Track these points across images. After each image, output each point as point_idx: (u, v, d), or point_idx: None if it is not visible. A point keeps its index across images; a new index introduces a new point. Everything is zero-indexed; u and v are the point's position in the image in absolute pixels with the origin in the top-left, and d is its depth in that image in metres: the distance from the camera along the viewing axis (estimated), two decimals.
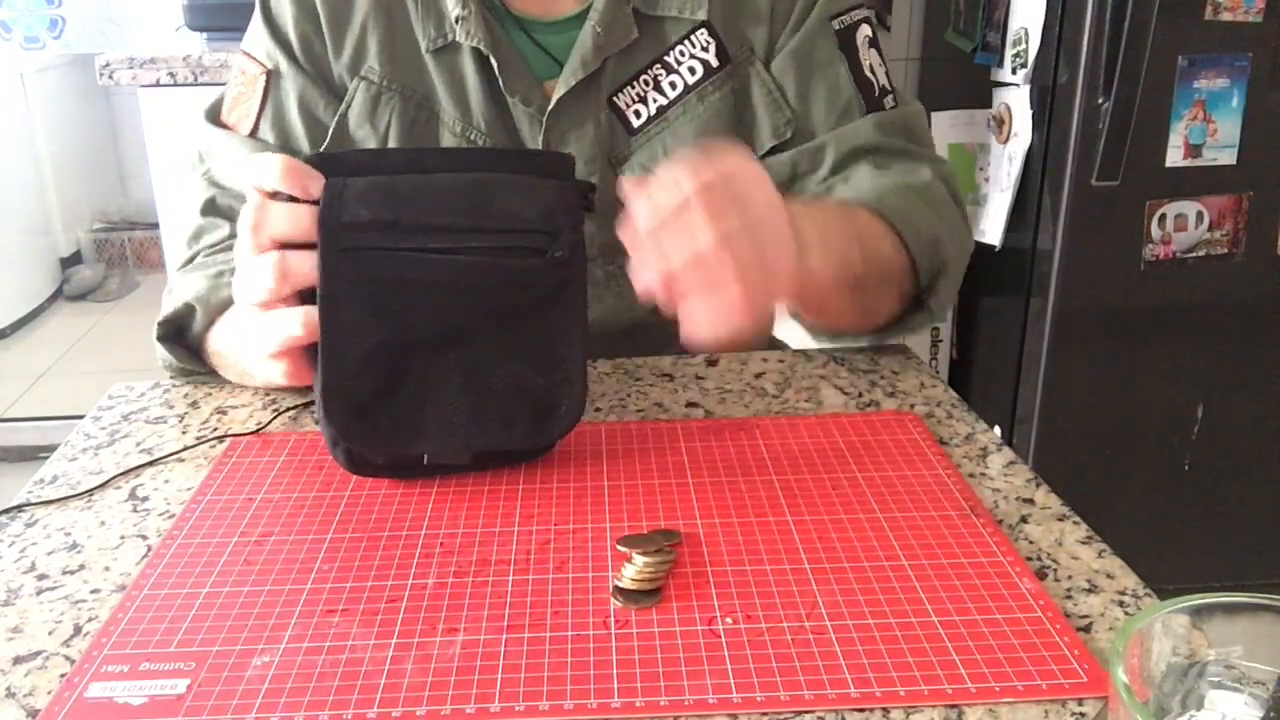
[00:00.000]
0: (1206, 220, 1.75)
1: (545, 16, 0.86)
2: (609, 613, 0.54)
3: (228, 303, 0.77)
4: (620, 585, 0.55)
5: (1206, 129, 1.71)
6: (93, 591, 0.57)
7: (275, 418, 0.75)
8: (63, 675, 0.51)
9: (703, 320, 0.60)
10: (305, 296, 0.64)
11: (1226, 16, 1.65)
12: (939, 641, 0.51)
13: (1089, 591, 0.56)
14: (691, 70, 0.86)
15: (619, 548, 0.59)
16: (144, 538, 0.62)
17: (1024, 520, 0.62)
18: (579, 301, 0.65)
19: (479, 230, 0.63)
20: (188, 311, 0.79)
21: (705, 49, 0.86)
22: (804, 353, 0.86)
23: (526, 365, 0.65)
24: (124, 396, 0.81)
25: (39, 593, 0.57)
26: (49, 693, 0.50)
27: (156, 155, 1.93)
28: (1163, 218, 1.75)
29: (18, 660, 0.52)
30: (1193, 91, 1.69)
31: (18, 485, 0.68)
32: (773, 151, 0.88)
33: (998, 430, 1.93)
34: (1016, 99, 1.85)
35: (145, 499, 0.66)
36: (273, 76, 0.86)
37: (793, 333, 1.06)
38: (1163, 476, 1.89)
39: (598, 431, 0.72)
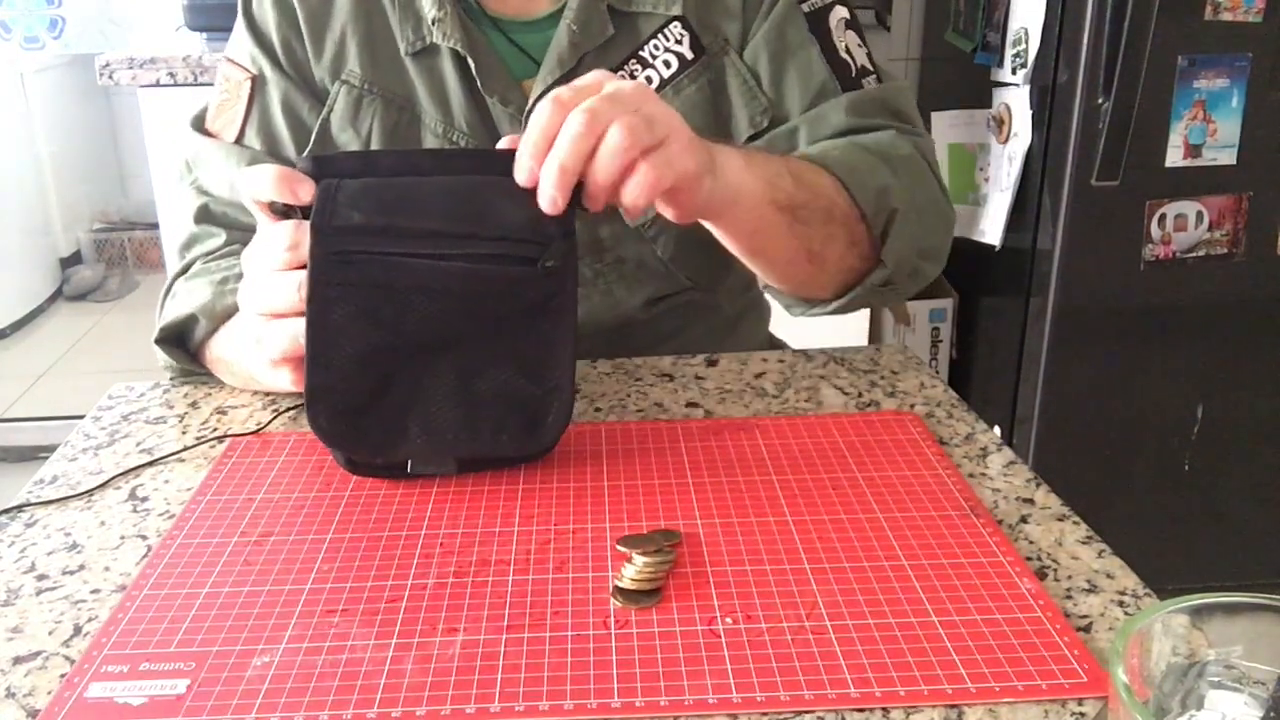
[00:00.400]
0: (1206, 220, 1.75)
1: (521, 16, 0.86)
2: (609, 613, 0.54)
3: (231, 310, 0.77)
4: (620, 585, 0.55)
5: (1206, 129, 1.71)
6: (93, 592, 0.57)
7: (275, 418, 0.76)
8: (63, 675, 0.51)
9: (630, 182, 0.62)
10: None
11: (1226, 16, 1.65)
12: (939, 641, 0.51)
13: (1089, 591, 0.56)
14: (667, 64, 0.86)
15: (619, 548, 0.59)
16: (144, 538, 0.62)
17: (1024, 520, 0.62)
18: (569, 309, 0.65)
19: (470, 237, 0.63)
20: (190, 320, 0.79)
21: (679, 42, 0.86)
22: (804, 353, 0.86)
23: (516, 373, 0.65)
24: (124, 397, 0.81)
25: (39, 593, 0.57)
26: (49, 693, 0.50)
27: (156, 155, 1.93)
28: (1163, 218, 1.75)
29: (18, 660, 0.52)
30: (1192, 91, 1.69)
31: (18, 485, 0.68)
32: (751, 140, 0.88)
33: (998, 430, 1.93)
34: (1016, 99, 1.85)
35: (145, 499, 0.66)
36: (257, 82, 0.86)
37: (793, 332, 1.06)
38: (1162, 476, 1.89)
39: (598, 431, 0.72)
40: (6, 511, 0.65)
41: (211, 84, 1.67)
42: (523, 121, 0.84)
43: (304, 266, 0.63)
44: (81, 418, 0.78)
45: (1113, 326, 1.81)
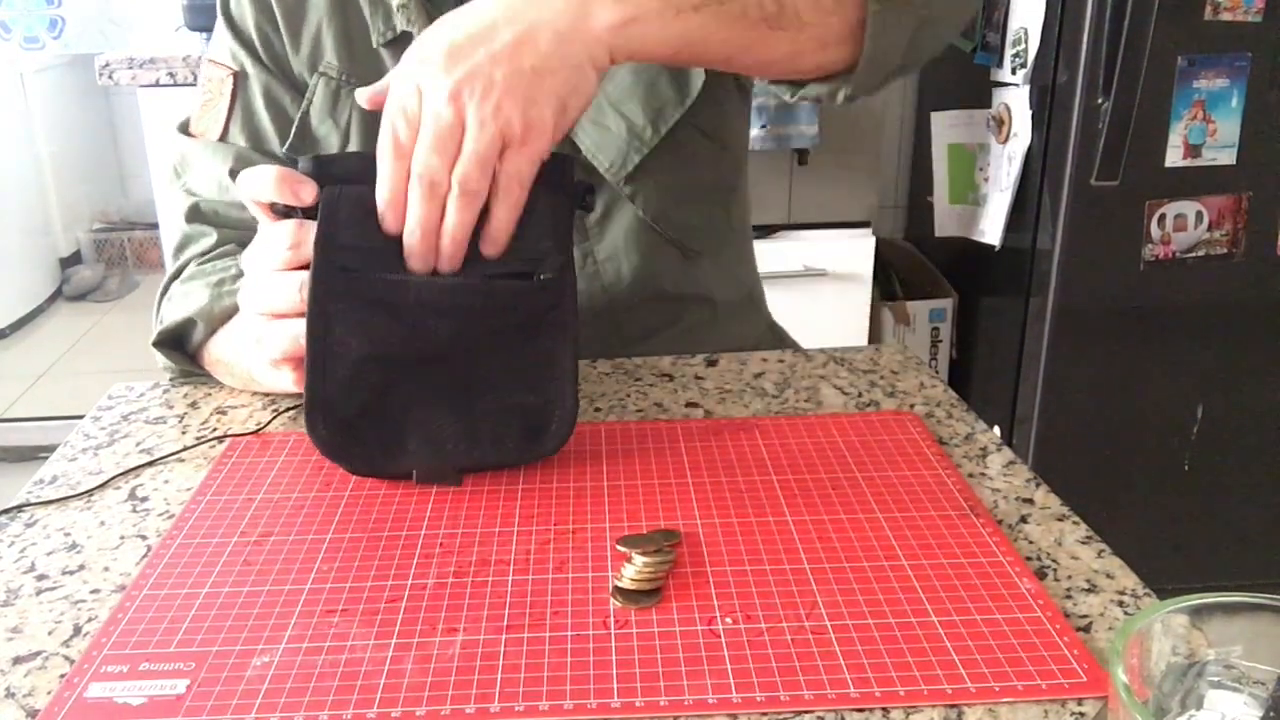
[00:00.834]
0: (1206, 220, 1.76)
1: None
2: (609, 613, 0.54)
3: (229, 313, 0.77)
4: (620, 585, 0.55)
5: (1206, 129, 1.71)
6: (92, 592, 0.57)
7: (275, 418, 0.76)
8: (62, 675, 0.51)
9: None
10: None
11: (1226, 16, 1.65)
12: (939, 641, 0.51)
13: (1089, 591, 0.56)
14: None
15: (619, 548, 0.59)
16: (144, 538, 0.62)
17: (1024, 520, 0.62)
18: (569, 320, 0.65)
19: (469, 259, 0.63)
20: (188, 324, 0.79)
21: None
22: (804, 352, 0.86)
23: (516, 385, 0.65)
24: (124, 397, 0.81)
25: (39, 593, 0.57)
26: (48, 693, 0.50)
27: (156, 155, 1.93)
28: (1162, 218, 1.75)
29: (17, 660, 0.52)
30: (1192, 91, 1.69)
31: (18, 485, 0.68)
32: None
33: (997, 430, 1.93)
34: (1016, 99, 1.85)
35: (145, 499, 0.66)
36: (239, 78, 0.86)
37: (793, 332, 1.06)
38: (1162, 476, 1.89)
39: (598, 431, 0.72)
40: (6, 511, 0.65)
41: None
42: None
43: (305, 266, 0.63)
44: (81, 418, 0.78)
45: (1112, 326, 1.81)
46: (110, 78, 1.91)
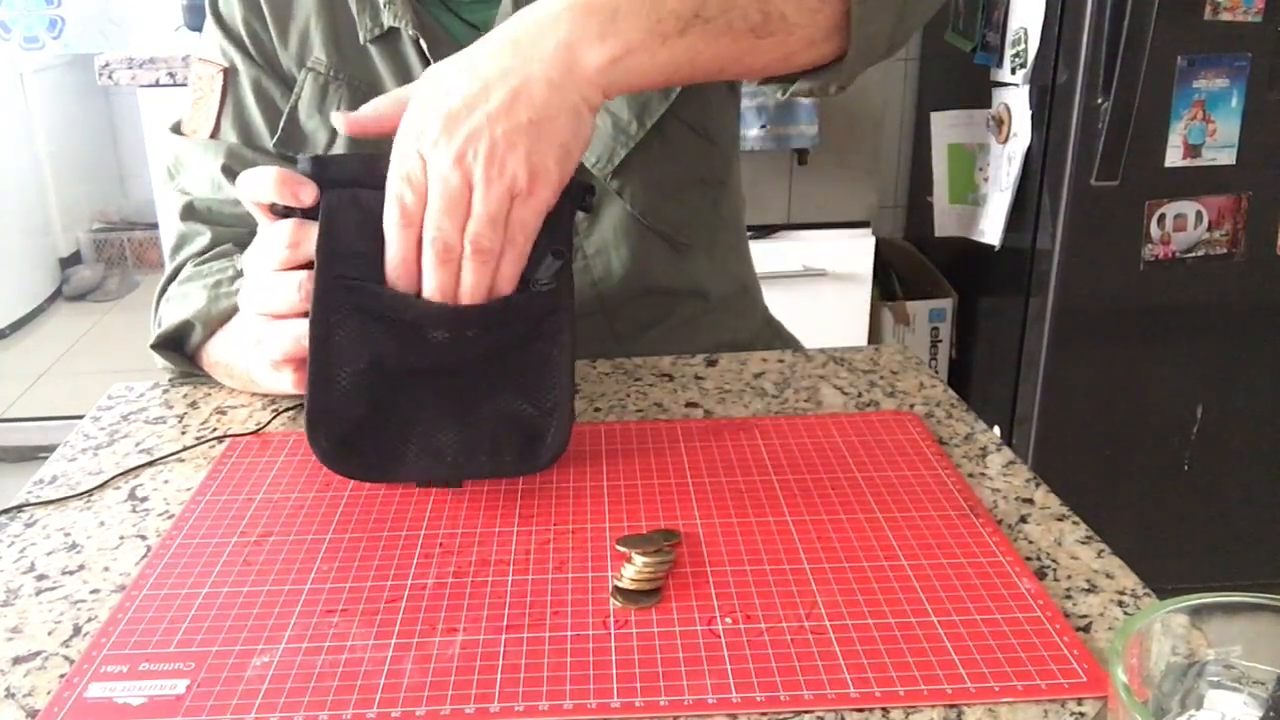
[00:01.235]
0: (1206, 220, 1.76)
1: None
2: (608, 613, 0.54)
3: (227, 314, 0.77)
4: (620, 585, 0.55)
5: (1206, 129, 1.71)
6: (92, 592, 0.57)
7: (275, 418, 0.76)
8: (62, 675, 0.51)
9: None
10: None
11: (1226, 16, 1.65)
12: (939, 641, 0.51)
13: (1088, 591, 0.56)
14: None
15: (619, 548, 0.59)
16: (143, 538, 0.62)
17: (1023, 520, 0.62)
18: (566, 327, 0.64)
19: None
20: (186, 326, 0.79)
21: None
22: (804, 353, 0.86)
23: (513, 394, 0.64)
24: (123, 397, 0.81)
25: (38, 593, 0.57)
26: (48, 693, 0.50)
27: (156, 155, 1.93)
28: (1162, 218, 1.75)
29: (17, 660, 0.52)
30: (1192, 91, 1.69)
31: (17, 485, 0.68)
32: None
33: (997, 430, 1.93)
34: (1016, 99, 1.85)
35: (145, 499, 0.66)
36: (229, 74, 0.87)
37: (792, 329, 1.06)
38: (1162, 476, 1.89)
39: (597, 431, 0.72)
40: (6, 511, 0.65)
41: None
42: None
43: (304, 266, 0.63)
44: (81, 418, 0.78)
45: (1112, 326, 1.81)
46: (110, 78, 1.92)
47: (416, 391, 0.64)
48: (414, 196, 0.60)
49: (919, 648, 0.51)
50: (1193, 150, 1.72)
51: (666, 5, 0.61)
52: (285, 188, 0.62)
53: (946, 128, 2.02)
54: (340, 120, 0.65)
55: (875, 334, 2.17)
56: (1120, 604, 0.55)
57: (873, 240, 2.08)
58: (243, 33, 0.86)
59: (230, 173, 0.85)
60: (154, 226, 2.83)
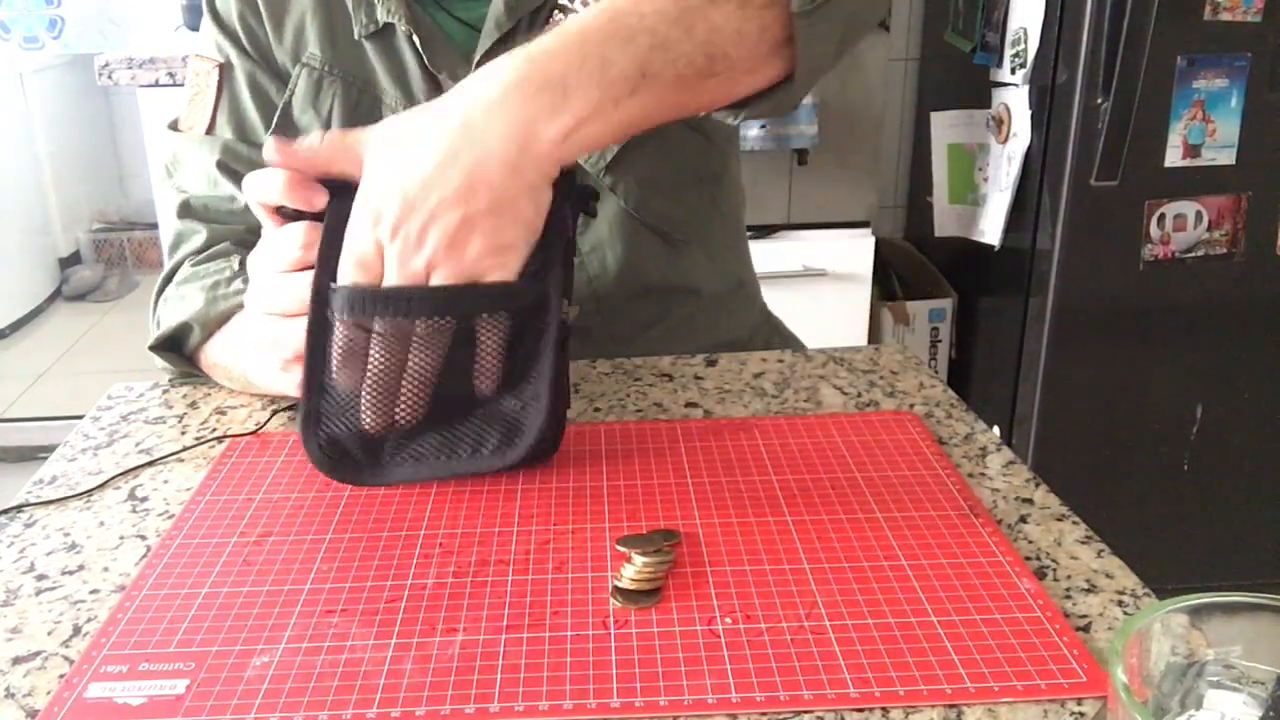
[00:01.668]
0: (1205, 220, 1.76)
1: None
2: (608, 613, 0.54)
3: (225, 316, 0.77)
4: (620, 585, 0.55)
5: (1205, 129, 1.71)
6: (92, 592, 0.57)
7: (274, 418, 0.75)
8: (62, 676, 0.51)
9: None
10: None
11: (1226, 16, 1.65)
12: (938, 641, 0.51)
13: (1088, 591, 0.56)
14: (585, 3, 0.83)
15: (618, 548, 0.59)
16: (143, 538, 0.62)
17: (1023, 520, 0.62)
18: (553, 318, 0.63)
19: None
20: (185, 329, 0.79)
21: None
22: (804, 353, 0.86)
23: (500, 391, 0.64)
24: (123, 397, 0.81)
25: (38, 593, 0.57)
26: (48, 693, 0.50)
27: (155, 155, 1.93)
28: (1162, 218, 1.75)
29: (17, 660, 0.52)
30: (1192, 91, 1.69)
31: (17, 485, 0.68)
32: None
33: (997, 430, 1.93)
34: (1015, 99, 1.85)
35: (144, 499, 0.66)
36: (225, 69, 0.87)
37: (793, 329, 1.06)
38: (1162, 476, 1.89)
39: (597, 431, 0.72)
40: (6, 512, 0.65)
41: None
42: None
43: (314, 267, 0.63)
44: (81, 418, 0.78)
45: (1112, 326, 1.81)
46: (110, 78, 1.91)
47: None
48: (367, 280, 0.59)
49: (919, 648, 0.51)
50: (1192, 150, 1.72)
51: (614, 68, 0.60)
52: (298, 192, 0.62)
53: (946, 128, 2.02)
54: (272, 146, 0.63)
55: (875, 334, 2.17)
56: (1120, 604, 0.55)
57: (872, 240, 2.08)
58: (238, 28, 0.87)
59: (226, 169, 0.86)
60: (154, 226, 2.83)
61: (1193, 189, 1.74)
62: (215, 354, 0.79)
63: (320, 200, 0.62)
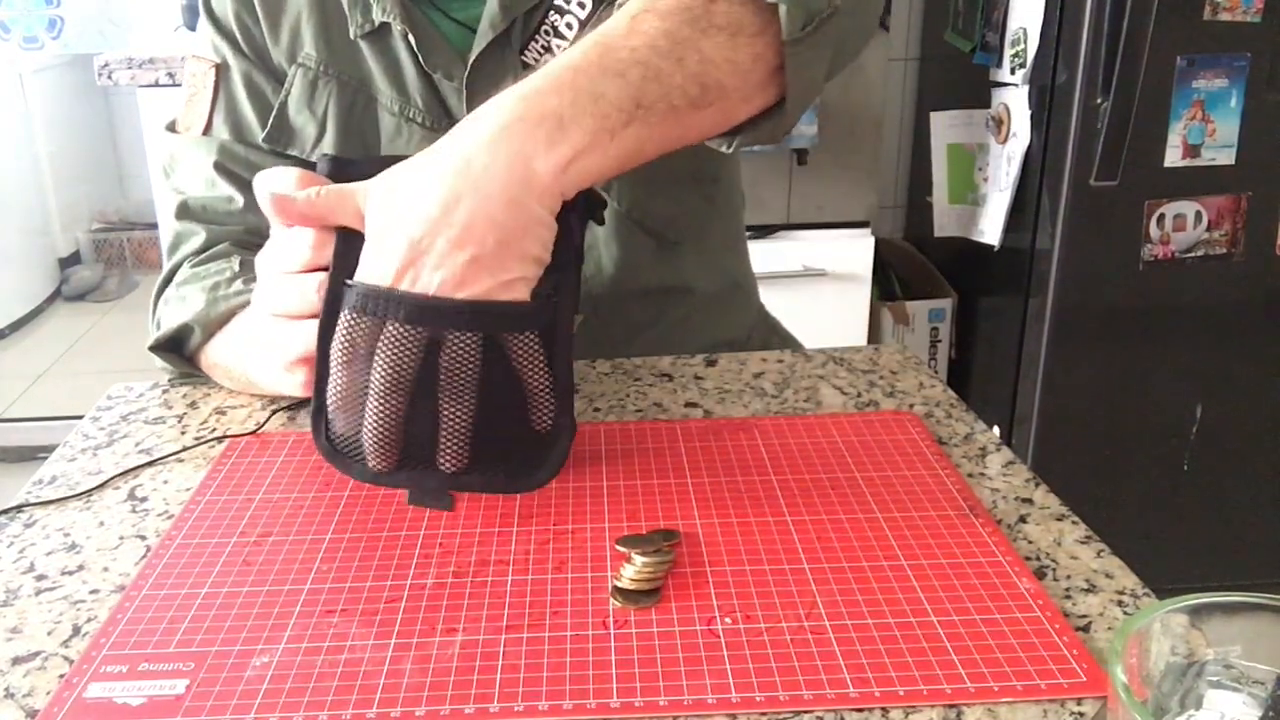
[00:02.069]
0: (1205, 220, 1.76)
1: None
2: (608, 613, 0.54)
3: (225, 317, 0.77)
4: (619, 585, 0.55)
5: (1205, 129, 1.71)
6: (92, 592, 0.57)
7: (273, 418, 0.75)
8: (61, 676, 0.51)
9: None
10: None
11: (1225, 16, 1.65)
12: (938, 641, 0.51)
13: (1088, 591, 0.56)
14: (581, 5, 0.84)
15: (618, 548, 0.59)
16: (143, 538, 0.62)
17: (1023, 520, 0.62)
18: (565, 338, 0.63)
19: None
20: (185, 330, 0.79)
21: None
22: (803, 353, 0.86)
23: (512, 408, 0.63)
24: (123, 397, 0.81)
25: (38, 593, 0.57)
26: (48, 693, 0.50)
27: (155, 155, 1.93)
28: (1161, 218, 1.75)
29: (17, 661, 0.52)
30: (1191, 91, 1.69)
31: (17, 485, 0.68)
32: None
33: (996, 430, 1.93)
34: (1015, 99, 1.85)
35: (144, 499, 0.66)
36: (221, 69, 0.87)
37: (791, 326, 1.06)
38: (1161, 476, 1.89)
39: (597, 431, 0.72)
40: (5, 512, 0.65)
41: None
42: (463, 96, 0.83)
43: (325, 268, 0.63)
44: (80, 418, 0.78)
45: (1112, 326, 1.81)
46: (109, 78, 1.91)
47: (415, 405, 0.63)
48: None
49: (919, 648, 0.51)
50: (1192, 150, 1.72)
51: (608, 101, 0.60)
52: (317, 216, 0.62)
53: (946, 128, 2.02)
54: (265, 190, 0.63)
55: (875, 334, 2.17)
56: (1120, 604, 0.55)
57: (872, 240, 2.08)
58: (234, 27, 0.87)
59: (223, 170, 0.86)
60: (153, 226, 2.83)
61: (1192, 189, 1.74)
62: (216, 354, 0.79)
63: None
